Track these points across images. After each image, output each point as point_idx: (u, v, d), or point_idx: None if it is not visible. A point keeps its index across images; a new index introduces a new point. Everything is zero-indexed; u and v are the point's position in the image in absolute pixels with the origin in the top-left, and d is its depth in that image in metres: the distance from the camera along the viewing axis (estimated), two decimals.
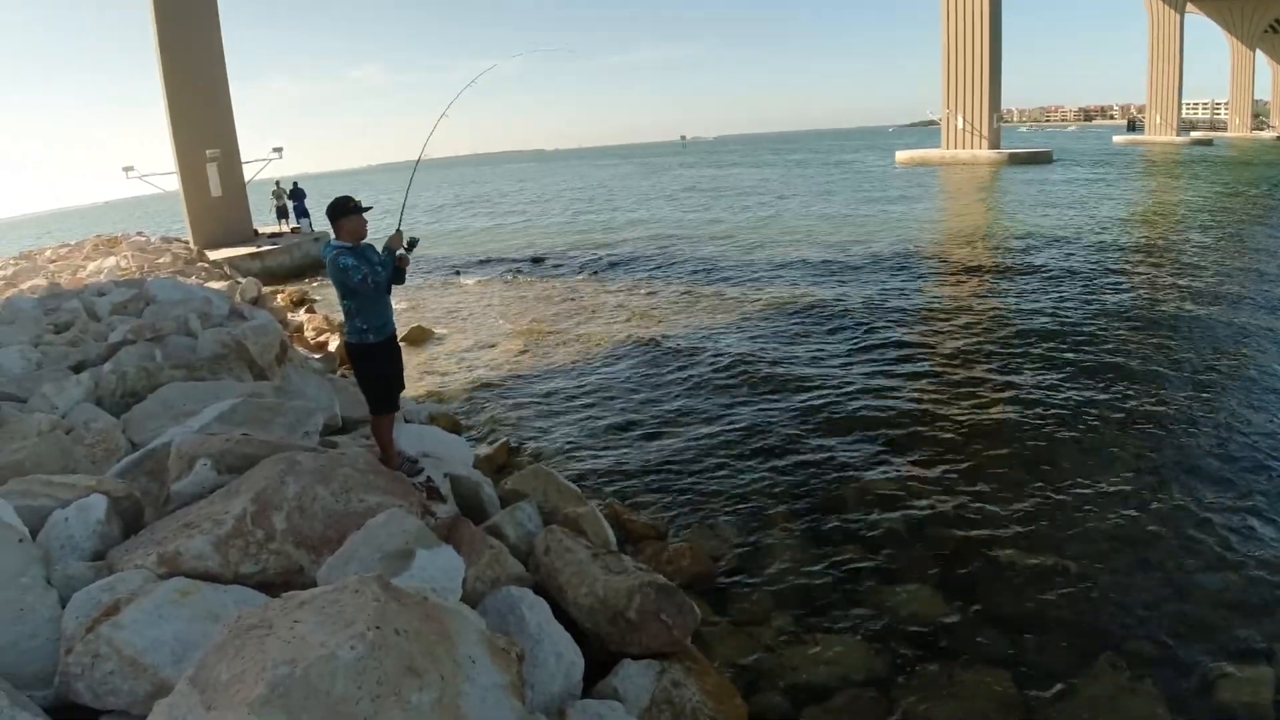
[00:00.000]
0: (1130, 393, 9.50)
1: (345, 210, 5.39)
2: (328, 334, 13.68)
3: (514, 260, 24.28)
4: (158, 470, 5.08)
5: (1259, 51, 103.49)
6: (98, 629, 3.23)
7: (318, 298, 19.04)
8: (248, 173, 27.57)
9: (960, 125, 62.90)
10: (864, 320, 13.57)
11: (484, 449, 8.23)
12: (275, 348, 8.71)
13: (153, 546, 3.97)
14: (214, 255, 23.00)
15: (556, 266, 22.53)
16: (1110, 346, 11.51)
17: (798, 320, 14.02)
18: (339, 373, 10.43)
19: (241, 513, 4.06)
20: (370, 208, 5.61)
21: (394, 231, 5.72)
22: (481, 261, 24.50)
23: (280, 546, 4.06)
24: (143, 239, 27.55)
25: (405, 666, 2.74)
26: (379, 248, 5.57)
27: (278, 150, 29.21)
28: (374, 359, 5.57)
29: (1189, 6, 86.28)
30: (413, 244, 5.74)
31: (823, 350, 12.00)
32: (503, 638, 3.37)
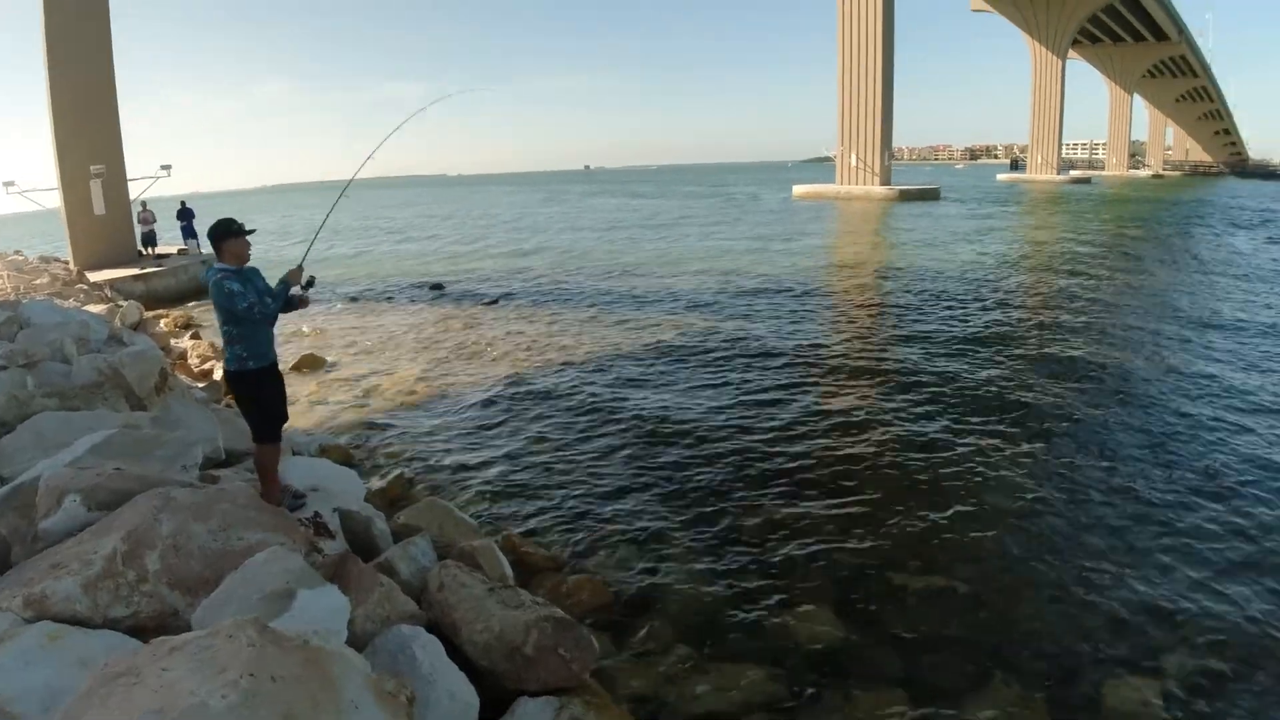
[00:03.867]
0: (1012, 419, 9.91)
1: (229, 232, 5.26)
2: (213, 361, 13.14)
3: (413, 287, 23.89)
4: (26, 506, 4.77)
5: (1137, 95, 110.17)
6: None
7: (204, 323, 18.33)
8: (133, 191, 26.43)
9: (854, 162, 65.10)
10: (759, 353, 13.79)
11: (377, 482, 8.00)
12: (155, 376, 8.34)
13: (19, 588, 3.73)
14: (95, 277, 21.92)
15: (457, 294, 22.24)
16: (994, 375, 11.99)
17: (694, 353, 14.14)
18: (224, 402, 10.05)
19: (112, 552, 3.84)
20: (254, 230, 5.47)
21: (295, 266, 5.60)
22: (378, 288, 24.01)
23: (153, 588, 3.85)
24: (20, 258, 26.18)
25: (283, 715, 2.61)
26: (263, 273, 5.43)
27: (166, 168, 28.12)
28: (253, 385, 5.42)
29: (1070, 52, 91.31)
30: (310, 283, 5.64)
31: (718, 382, 12.12)
32: (392, 680, 3.25)
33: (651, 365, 13.12)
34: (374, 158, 7.46)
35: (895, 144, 68.33)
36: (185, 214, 26.34)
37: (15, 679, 3.11)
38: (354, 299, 21.86)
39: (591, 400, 11.26)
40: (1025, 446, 8.98)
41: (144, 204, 26.26)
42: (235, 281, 5.14)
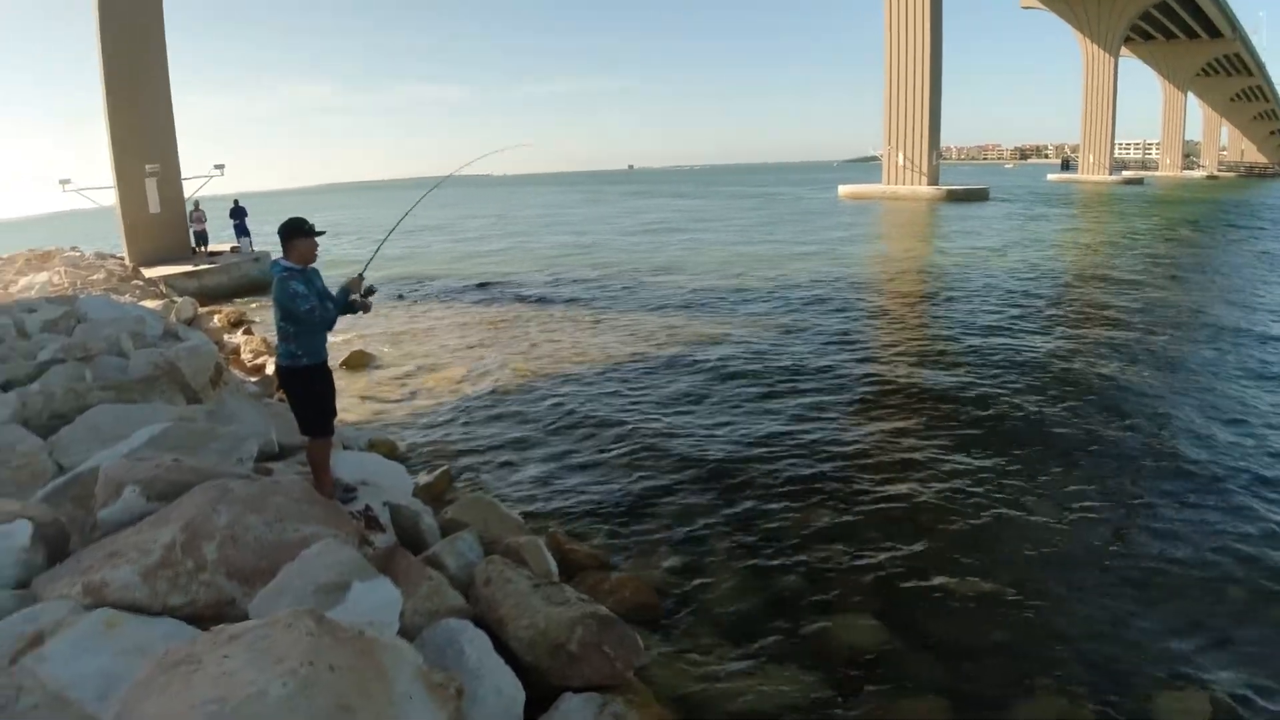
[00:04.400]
0: (1064, 424, 9.74)
1: (299, 231, 5.36)
2: (265, 357, 13.38)
3: (458, 286, 24.10)
4: (84, 496, 4.91)
5: (1190, 94, 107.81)
6: (21, 660, 3.11)
7: (256, 319, 18.65)
8: (188, 189, 27.00)
9: (900, 162, 64.43)
10: (805, 361, 13.69)
11: (424, 477, 8.09)
12: (209, 370, 8.52)
13: (78, 575, 3.83)
14: (150, 273, 22.44)
15: (501, 292, 22.40)
16: (1045, 378, 11.81)
17: (739, 357, 14.09)
18: (275, 397, 10.22)
19: (170, 542, 3.94)
20: (323, 233, 5.58)
21: (357, 274, 5.72)
22: (425, 286, 24.25)
23: (210, 578, 3.94)
24: (76, 254, 26.83)
25: (338, 704, 2.66)
26: (323, 275, 5.54)
27: (219, 167, 28.66)
28: (305, 381, 5.51)
29: (1123, 50, 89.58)
30: (370, 291, 5.77)
31: (763, 388, 12.06)
32: (441, 673, 3.30)
33: (696, 368, 13.10)
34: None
35: (943, 143, 67.60)
36: (238, 212, 26.79)
37: (73, 665, 3.16)
38: (401, 297, 22.10)
39: (635, 401, 11.28)
40: (1074, 455, 8.80)
41: (196, 203, 26.79)
42: (300, 283, 5.24)
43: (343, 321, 5.76)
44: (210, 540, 4.06)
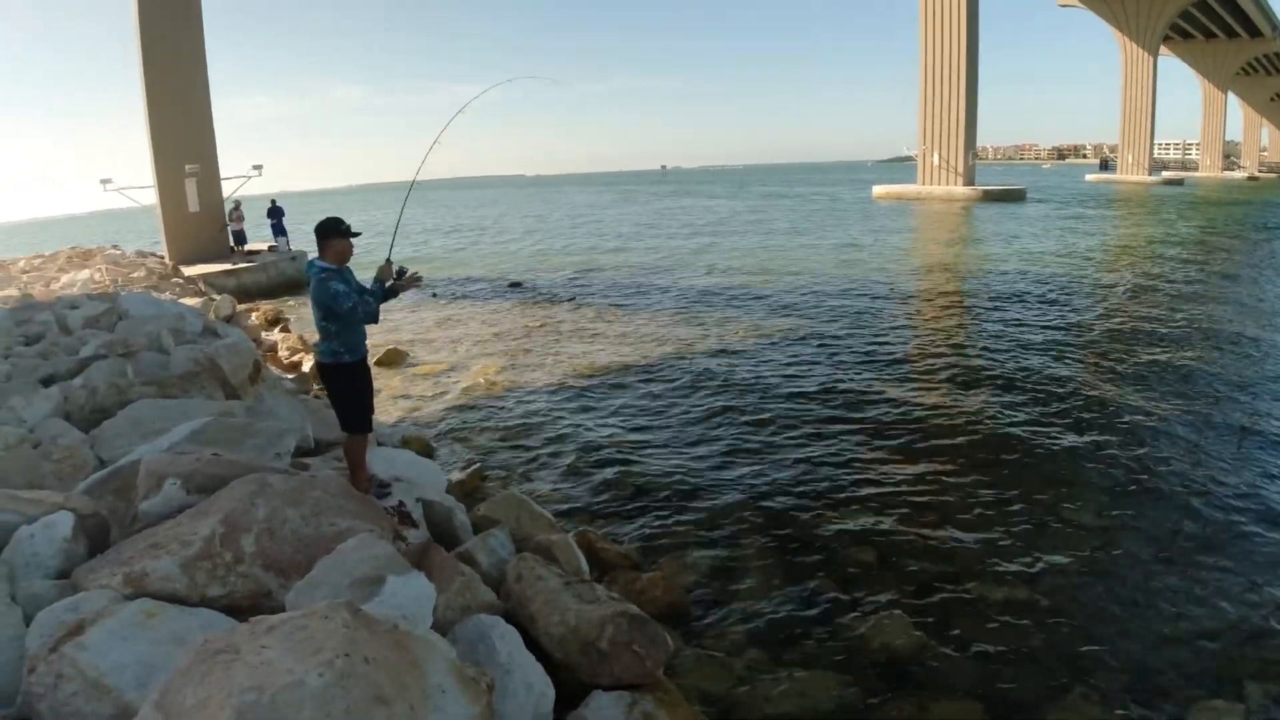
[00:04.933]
0: (1101, 428, 9.63)
1: (336, 231, 5.42)
2: (301, 354, 13.55)
3: (491, 284, 24.26)
4: (125, 489, 5.00)
5: (1231, 93, 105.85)
6: (62, 649, 3.17)
7: (292, 316, 18.90)
8: (226, 189, 27.38)
9: (936, 162, 63.85)
10: (842, 356, 13.65)
11: (457, 474, 8.16)
12: (248, 367, 8.63)
13: (119, 566, 3.90)
14: (189, 271, 22.77)
15: (533, 291, 22.52)
16: (1084, 382, 11.66)
17: (775, 352, 14.08)
18: (312, 393, 10.34)
19: (210, 534, 4.01)
20: (359, 234, 5.63)
21: (384, 262, 5.77)
22: (458, 285, 24.43)
23: (249, 570, 4.00)
24: (117, 252, 27.26)
25: (373, 696, 2.70)
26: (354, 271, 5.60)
27: (258, 168, 29.01)
28: (346, 378, 5.58)
29: (1162, 49, 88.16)
30: (402, 273, 5.80)
31: (799, 382, 12.05)
32: (473, 667, 3.34)
33: (727, 368, 13.08)
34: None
35: (979, 143, 66.88)
36: (275, 212, 27.10)
37: (112, 654, 3.21)
38: (435, 295, 22.27)
39: (665, 402, 11.29)
40: (1112, 461, 8.66)
41: (237, 203, 27.16)
42: (339, 282, 5.31)
43: (378, 320, 5.80)
44: (248, 533, 4.12)
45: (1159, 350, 13.57)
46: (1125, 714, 4.73)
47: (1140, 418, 10.02)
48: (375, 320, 5.61)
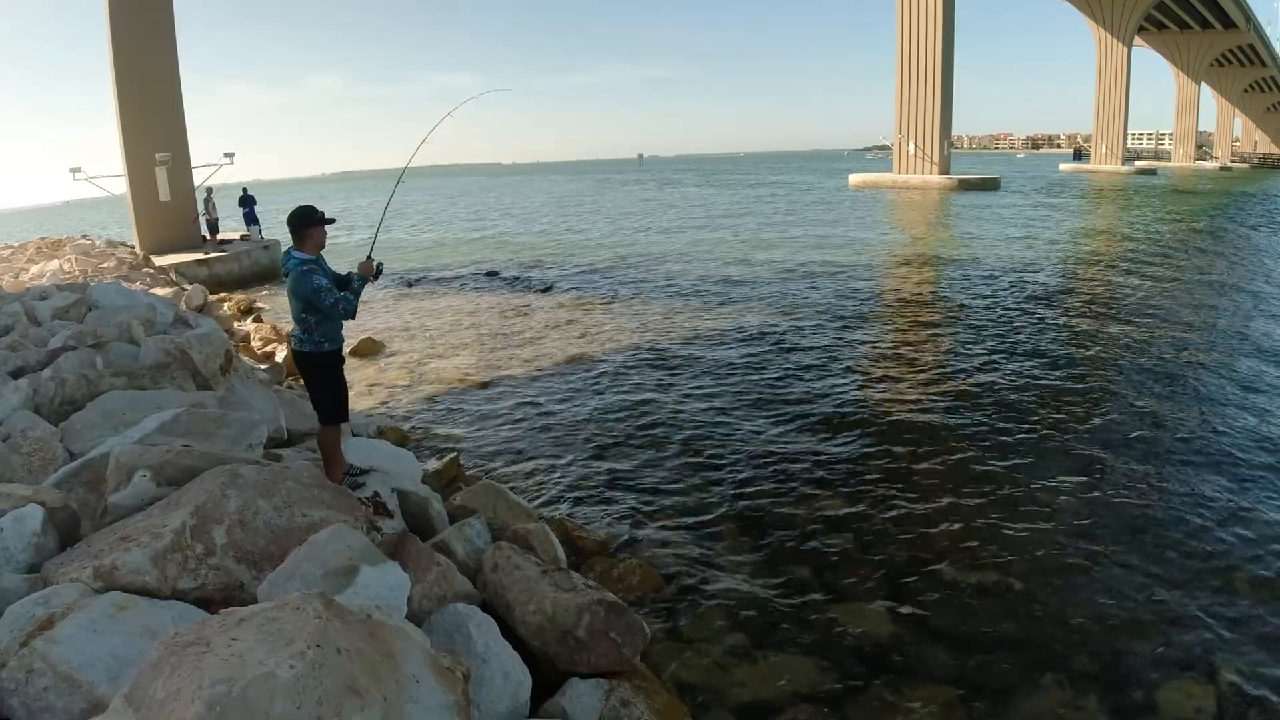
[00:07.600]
0: (1070, 415, 9.73)
1: (311, 220, 5.35)
2: (275, 344, 13.43)
3: (467, 274, 24.15)
4: (96, 481, 4.93)
5: (1204, 84, 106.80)
6: (32, 644, 3.12)
7: (265, 306, 18.74)
8: (197, 178, 27.03)
9: (912, 150, 64.14)
10: (812, 348, 13.68)
11: (433, 463, 8.12)
12: (220, 357, 8.52)
13: (89, 559, 3.84)
14: (160, 261, 22.47)
15: (509, 281, 22.43)
16: (1052, 369, 11.79)
17: (750, 340, 14.12)
18: (285, 384, 10.25)
19: (180, 526, 3.95)
20: (334, 220, 5.58)
21: (365, 258, 5.71)
22: (434, 274, 24.31)
23: (220, 562, 3.96)
24: (87, 242, 26.90)
25: (347, 686, 2.67)
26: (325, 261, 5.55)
27: (229, 156, 28.67)
28: (329, 367, 5.54)
29: (1136, 39, 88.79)
30: (379, 271, 5.77)
31: (774, 370, 12.09)
32: (448, 657, 3.32)
33: (702, 356, 13.11)
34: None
35: (955, 132, 67.23)
36: (247, 200, 26.84)
37: (84, 648, 3.17)
38: (411, 284, 22.16)
39: (642, 389, 11.29)
40: (1084, 448, 8.77)
41: (210, 190, 26.85)
42: (321, 276, 5.26)
43: (355, 318, 5.76)
44: (220, 525, 4.08)
45: (1132, 335, 13.75)
46: (1097, 695, 4.80)
47: (1111, 405, 10.15)
48: (353, 318, 5.57)
